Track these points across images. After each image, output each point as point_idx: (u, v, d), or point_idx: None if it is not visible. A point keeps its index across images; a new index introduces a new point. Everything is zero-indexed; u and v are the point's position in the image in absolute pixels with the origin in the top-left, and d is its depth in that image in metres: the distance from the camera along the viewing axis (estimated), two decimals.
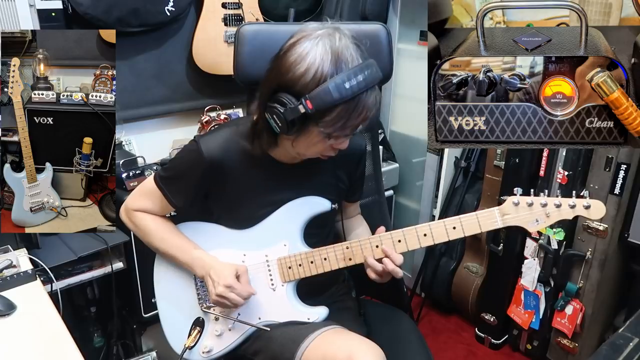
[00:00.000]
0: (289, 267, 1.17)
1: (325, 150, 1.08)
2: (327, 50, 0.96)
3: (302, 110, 0.96)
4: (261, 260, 1.19)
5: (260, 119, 1.06)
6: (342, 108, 0.96)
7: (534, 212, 1.06)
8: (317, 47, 0.96)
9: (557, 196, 1.06)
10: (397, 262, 1.10)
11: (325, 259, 1.16)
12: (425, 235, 1.11)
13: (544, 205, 1.06)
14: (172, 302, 1.26)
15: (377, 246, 1.13)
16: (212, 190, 1.19)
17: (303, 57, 0.96)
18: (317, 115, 0.96)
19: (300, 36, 0.99)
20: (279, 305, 1.18)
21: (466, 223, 1.09)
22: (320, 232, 1.24)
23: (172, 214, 1.28)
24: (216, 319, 1.21)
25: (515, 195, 1.07)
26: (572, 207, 1.04)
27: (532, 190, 1.09)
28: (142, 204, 1.24)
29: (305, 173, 1.18)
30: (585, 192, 1.05)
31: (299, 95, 0.96)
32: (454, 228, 1.09)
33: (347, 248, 1.15)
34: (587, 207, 1.04)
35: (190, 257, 1.19)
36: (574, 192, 1.09)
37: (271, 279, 1.19)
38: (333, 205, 1.19)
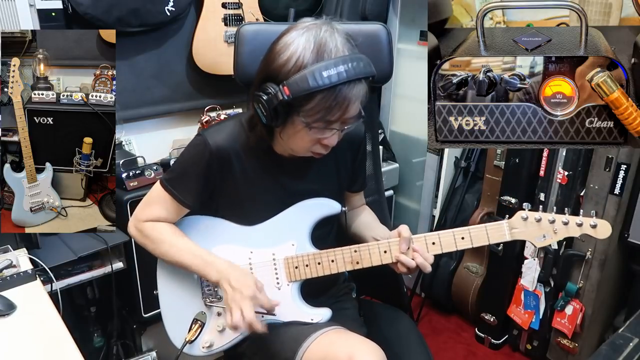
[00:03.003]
0: (296, 267, 1.17)
1: (313, 145, 1.07)
2: (310, 40, 0.97)
3: (280, 97, 0.96)
4: (268, 258, 1.19)
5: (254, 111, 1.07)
6: (322, 97, 0.96)
7: (541, 228, 1.08)
8: (301, 37, 0.98)
9: (564, 211, 1.08)
10: (429, 260, 1.11)
11: (332, 261, 1.16)
12: (434, 243, 1.12)
13: (552, 222, 1.07)
14: (175, 295, 1.25)
15: (385, 251, 1.13)
16: (217, 183, 1.17)
17: (287, 46, 0.98)
18: (296, 103, 0.97)
19: (290, 28, 1.02)
20: (283, 304, 1.18)
21: (475, 234, 1.10)
22: (323, 230, 1.24)
23: None
24: (219, 314, 1.20)
25: (524, 209, 1.09)
26: (579, 225, 1.06)
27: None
28: (152, 213, 1.20)
29: (308, 165, 1.18)
30: (592, 211, 1.08)
31: (281, 83, 0.97)
32: (463, 238, 1.10)
33: (355, 252, 1.15)
34: (594, 226, 1.05)
35: (203, 262, 1.15)
36: (581, 210, 1.09)
37: (277, 278, 1.19)
38: (343, 208, 1.20)
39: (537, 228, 1.08)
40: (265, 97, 0.99)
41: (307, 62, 0.96)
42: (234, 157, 1.14)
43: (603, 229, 1.06)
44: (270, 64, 1.00)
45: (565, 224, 1.07)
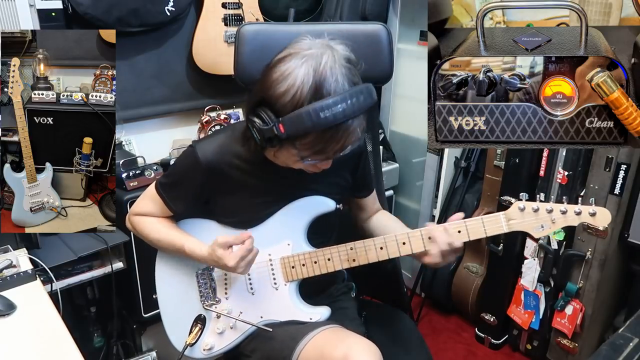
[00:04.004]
0: (292, 267, 1.17)
1: (308, 167, 1.07)
2: (310, 73, 0.92)
3: (275, 132, 0.94)
4: (264, 259, 1.19)
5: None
6: (317, 135, 0.94)
7: (539, 218, 1.06)
8: (301, 67, 0.93)
9: (562, 202, 1.06)
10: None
11: (329, 259, 1.16)
12: (430, 238, 1.11)
13: (550, 211, 1.05)
14: (174, 299, 1.26)
15: (381, 248, 1.13)
16: (211, 195, 1.19)
17: (285, 77, 0.94)
18: (291, 138, 0.95)
19: (289, 52, 0.97)
20: (281, 304, 1.18)
21: (471, 227, 1.09)
22: (325, 232, 1.24)
23: None
24: (218, 317, 1.21)
25: (521, 200, 1.07)
26: (578, 213, 1.04)
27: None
28: (144, 208, 1.25)
29: (303, 175, 1.18)
30: (591, 199, 1.05)
31: (277, 114, 0.95)
32: (459, 232, 1.10)
33: (351, 249, 1.14)
34: (593, 214, 1.03)
35: (185, 254, 1.18)
36: (579, 198, 1.07)
37: (274, 279, 1.19)
38: (337, 205, 1.19)
39: (534, 218, 1.06)
40: (260, 125, 0.97)
41: (305, 98, 0.92)
42: (227, 168, 1.14)
43: (602, 217, 1.03)
44: (266, 89, 0.96)
45: (564, 213, 1.05)
